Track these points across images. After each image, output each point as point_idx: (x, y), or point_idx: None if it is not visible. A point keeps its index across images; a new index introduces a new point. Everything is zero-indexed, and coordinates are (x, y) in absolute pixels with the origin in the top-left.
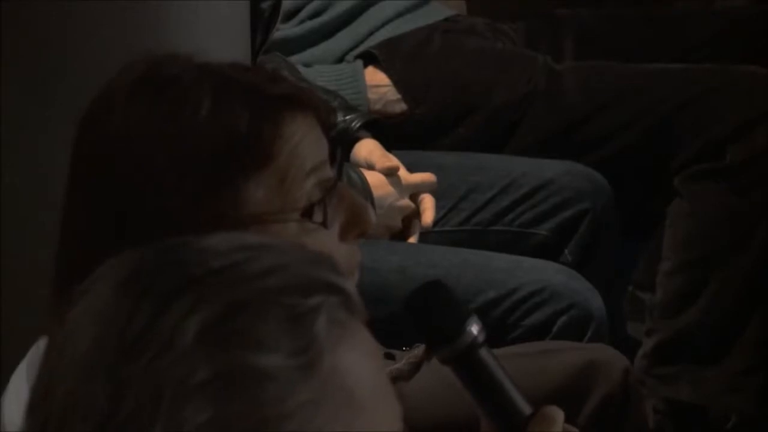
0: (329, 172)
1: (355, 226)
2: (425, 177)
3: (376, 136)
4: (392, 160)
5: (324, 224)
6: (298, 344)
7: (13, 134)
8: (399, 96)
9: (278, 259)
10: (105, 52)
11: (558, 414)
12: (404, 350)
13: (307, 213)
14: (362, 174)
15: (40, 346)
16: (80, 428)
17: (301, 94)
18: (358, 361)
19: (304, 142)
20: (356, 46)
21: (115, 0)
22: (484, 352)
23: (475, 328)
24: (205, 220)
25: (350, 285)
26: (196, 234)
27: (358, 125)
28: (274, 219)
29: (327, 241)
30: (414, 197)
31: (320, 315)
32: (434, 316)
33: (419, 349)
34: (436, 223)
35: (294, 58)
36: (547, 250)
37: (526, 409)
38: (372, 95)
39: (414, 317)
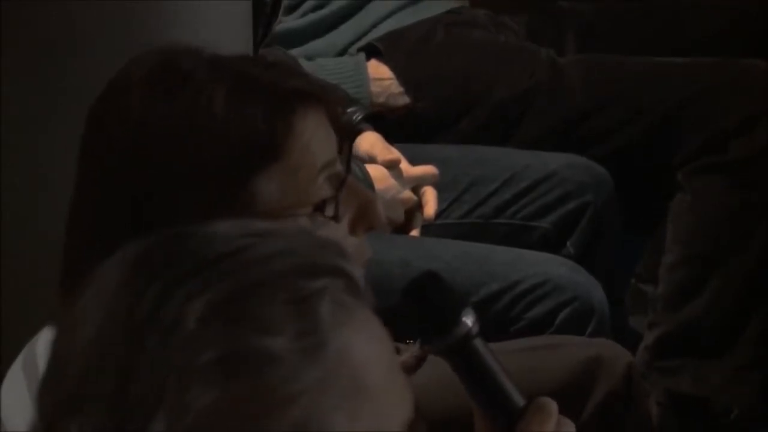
0: (339, 167)
1: (364, 221)
2: (427, 170)
3: (378, 129)
4: (394, 153)
5: (335, 218)
6: (303, 327)
7: (13, 134)
8: (401, 89)
9: (284, 244)
10: (105, 51)
11: (552, 405)
12: (408, 343)
13: (320, 208)
14: (364, 167)
15: (37, 339)
16: (89, 411)
17: (313, 89)
18: (364, 345)
19: (315, 137)
20: (359, 38)
21: None
22: (478, 343)
23: (469, 320)
24: (218, 214)
25: (356, 270)
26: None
27: (359, 118)
28: (286, 214)
29: (337, 234)
30: (416, 190)
31: (324, 298)
32: (429, 308)
33: (417, 342)
34: (438, 216)
35: (296, 51)
36: (550, 243)
37: (520, 400)
38: (374, 88)
39: (409, 308)
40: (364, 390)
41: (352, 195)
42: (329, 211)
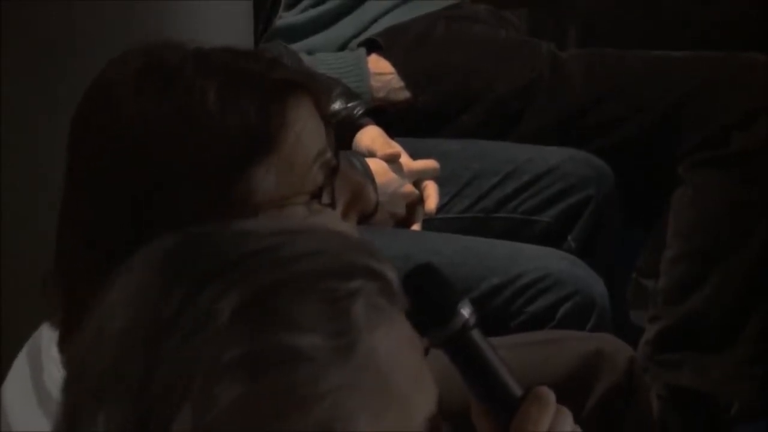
0: (331, 156)
1: (356, 204)
2: (428, 164)
3: (380, 124)
4: (394, 147)
5: (332, 205)
6: (335, 327)
7: (13, 134)
8: (402, 84)
9: (316, 244)
10: (105, 51)
11: (550, 395)
12: None
13: (317, 195)
14: (364, 161)
15: (40, 333)
16: (115, 404)
17: (300, 79)
18: (395, 348)
19: (308, 126)
20: (359, 33)
21: None
22: (475, 334)
23: (466, 311)
24: (217, 207)
25: (391, 271)
26: (211, 220)
27: (360, 112)
28: (283, 203)
29: (332, 220)
30: (417, 184)
31: (358, 299)
32: (426, 299)
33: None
34: (439, 210)
35: (297, 46)
36: (550, 237)
37: (518, 390)
38: (375, 83)
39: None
40: (389, 391)
41: (344, 181)
42: (326, 198)
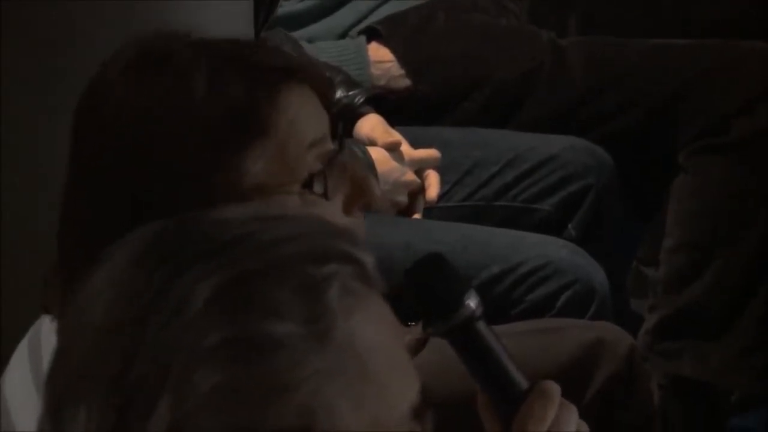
0: (330, 145)
1: (358, 198)
2: (429, 152)
3: (381, 112)
4: (394, 136)
5: (325, 196)
6: (311, 313)
7: (13, 134)
8: (402, 72)
9: (293, 229)
10: (105, 51)
11: (555, 389)
12: (410, 325)
13: (308, 185)
14: (366, 150)
15: (40, 325)
16: (95, 392)
17: (298, 66)
18: (373, 332)
19: (302, 114)
20: (359, 21)
21: None
22: (482, 326)
23: (473, 302)
24: (207, 194)
25: (367, 256)
26: (201, 208)
27: (360, 101)
28: (276, 191)
29: (329, 213)
30: (418, 173)
31: (333, 284)
32: (433, 290)
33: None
34: (440, 198)
35: (297, 34)
36: (551, 226)
37: (523, 383)
38: (375, 71)
39: (413, 290)
40: (369, 377)
41: (344, 173)
42: (317, 187)
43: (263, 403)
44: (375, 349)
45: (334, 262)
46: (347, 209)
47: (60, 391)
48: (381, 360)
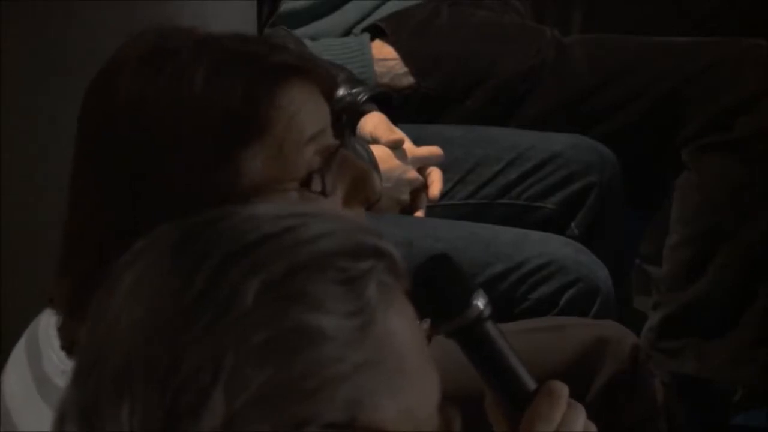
0: (330, 140)
1: (358, 193)
2: (432, 150)
3: (384, 110)
4: (397, 133)
5: (323, 193)
6: (353, 306)
7: (13, 134)
8: (406, 69)
9: (327, 225)
10: (105, 51)
11: (563, 389)
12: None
13: (306, 182)
14: (368, 147)
15: (38, 320)
16: (139, 391)
17: (300, 62)
18: (405, 327)
19: (302, 110)
20: (363, 19)
21: None
22: (490, 326)
23: (481, 302)
24: (206, 190)
25: (395, 251)
26: (201, 204)
27: (364, 98)
28: (274, 188)
29: (329, 209)
30: (421, 171)
31: (372, 278)
32: (441, 290)
33: (427, 323)
34: (442, 196)
35: (300, 32)
36: (554, 224)
37: (531, 383)
38: (379, 69)
39: (420, 290)
40: (405, 370)
41: (345, 167)
42: (316, 185)
43: (312, 396)
44: (408, 343)
45: (370, 258)
46: (348, 204)
47: (95, 390)
48: (414, 354)
